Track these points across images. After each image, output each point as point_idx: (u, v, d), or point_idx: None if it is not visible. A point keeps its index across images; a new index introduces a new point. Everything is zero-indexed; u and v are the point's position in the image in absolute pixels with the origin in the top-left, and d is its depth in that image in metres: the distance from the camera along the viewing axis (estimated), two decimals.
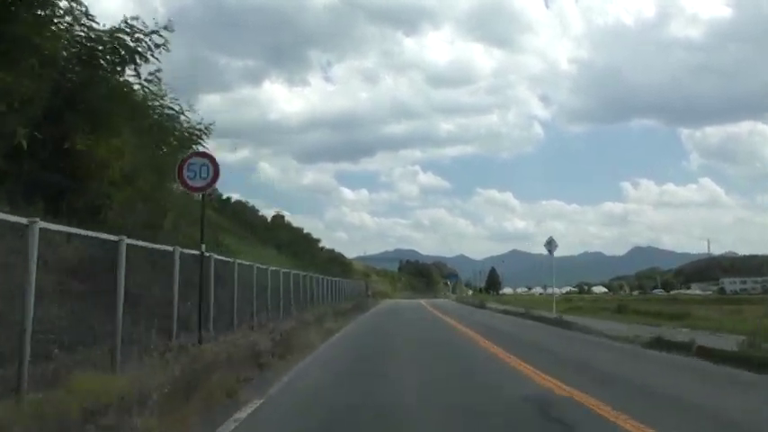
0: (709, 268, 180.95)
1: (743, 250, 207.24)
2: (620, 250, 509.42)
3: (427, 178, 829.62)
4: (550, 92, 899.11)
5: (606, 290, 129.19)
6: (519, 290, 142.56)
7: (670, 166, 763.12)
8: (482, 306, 49.94)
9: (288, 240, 49.31)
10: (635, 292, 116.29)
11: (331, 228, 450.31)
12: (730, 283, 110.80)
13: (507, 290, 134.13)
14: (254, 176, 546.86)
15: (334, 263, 65.77)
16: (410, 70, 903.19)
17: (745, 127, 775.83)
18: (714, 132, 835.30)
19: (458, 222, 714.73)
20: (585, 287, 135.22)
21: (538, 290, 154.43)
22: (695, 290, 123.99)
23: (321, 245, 71.67)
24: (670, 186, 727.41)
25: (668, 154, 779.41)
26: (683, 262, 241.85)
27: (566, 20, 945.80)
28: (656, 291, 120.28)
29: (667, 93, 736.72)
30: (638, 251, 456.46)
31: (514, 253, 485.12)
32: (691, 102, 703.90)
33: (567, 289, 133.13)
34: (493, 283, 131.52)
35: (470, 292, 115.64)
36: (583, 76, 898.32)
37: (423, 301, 66.27)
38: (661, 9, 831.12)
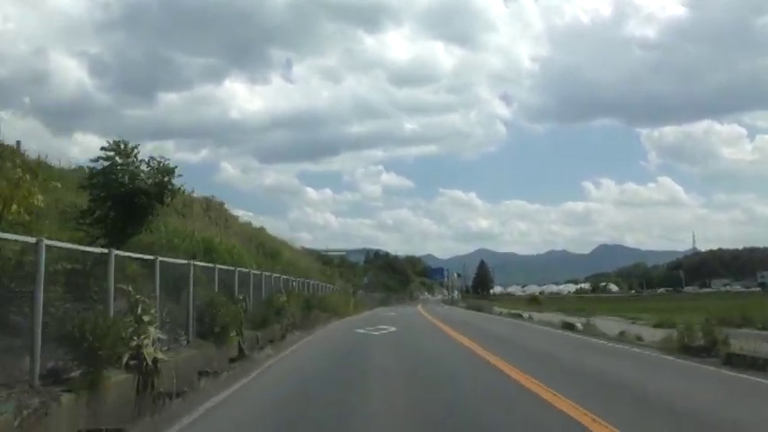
0: (705, 264, 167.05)
1: (703, 247, 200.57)
2: (585, 249, 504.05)
3: (390, 178, 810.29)
4: (512, 90, 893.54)
5: (617, 288, 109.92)
6: (510, 289, 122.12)
7: (629, 165, 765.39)
8: None
9: None
10: (661, 290, 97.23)
11: (295, 228, 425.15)
12: None
13: (498, 289, 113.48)
14: (217, 176, 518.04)
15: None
16: (372, 69, 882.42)
17: (701, 126, 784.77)
18: (671, 132, 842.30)
19: (422, 222, 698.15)
20: (602, 284, 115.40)
21: (533, 288, 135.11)
22: (719, 287, 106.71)
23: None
24: (630, 185, 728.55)
25: (628, 153, 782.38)
26: (650, 259, 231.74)
27: (526, 18, 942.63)
28: (688, 288, 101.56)
29: (626, 92, 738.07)
30: (603, 249, 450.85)
31: (481, 252, 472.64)
32: (649, 101, 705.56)
33: (575, 288, 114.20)
34: (482, 281, 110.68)
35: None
36: (544, 74, 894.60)
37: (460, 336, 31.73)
38: (618, 8, 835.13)
